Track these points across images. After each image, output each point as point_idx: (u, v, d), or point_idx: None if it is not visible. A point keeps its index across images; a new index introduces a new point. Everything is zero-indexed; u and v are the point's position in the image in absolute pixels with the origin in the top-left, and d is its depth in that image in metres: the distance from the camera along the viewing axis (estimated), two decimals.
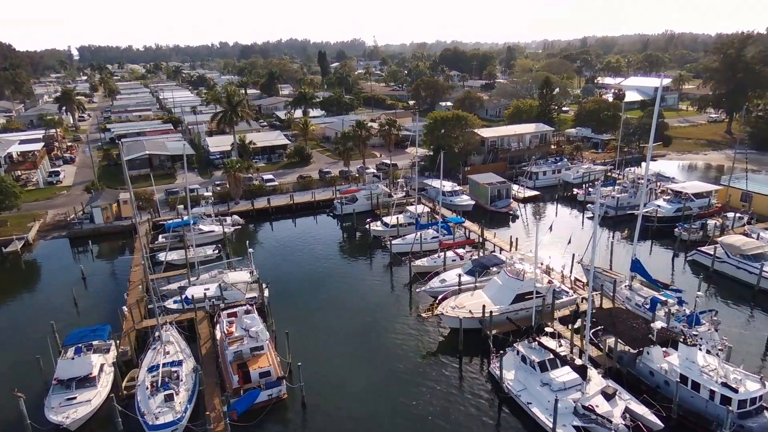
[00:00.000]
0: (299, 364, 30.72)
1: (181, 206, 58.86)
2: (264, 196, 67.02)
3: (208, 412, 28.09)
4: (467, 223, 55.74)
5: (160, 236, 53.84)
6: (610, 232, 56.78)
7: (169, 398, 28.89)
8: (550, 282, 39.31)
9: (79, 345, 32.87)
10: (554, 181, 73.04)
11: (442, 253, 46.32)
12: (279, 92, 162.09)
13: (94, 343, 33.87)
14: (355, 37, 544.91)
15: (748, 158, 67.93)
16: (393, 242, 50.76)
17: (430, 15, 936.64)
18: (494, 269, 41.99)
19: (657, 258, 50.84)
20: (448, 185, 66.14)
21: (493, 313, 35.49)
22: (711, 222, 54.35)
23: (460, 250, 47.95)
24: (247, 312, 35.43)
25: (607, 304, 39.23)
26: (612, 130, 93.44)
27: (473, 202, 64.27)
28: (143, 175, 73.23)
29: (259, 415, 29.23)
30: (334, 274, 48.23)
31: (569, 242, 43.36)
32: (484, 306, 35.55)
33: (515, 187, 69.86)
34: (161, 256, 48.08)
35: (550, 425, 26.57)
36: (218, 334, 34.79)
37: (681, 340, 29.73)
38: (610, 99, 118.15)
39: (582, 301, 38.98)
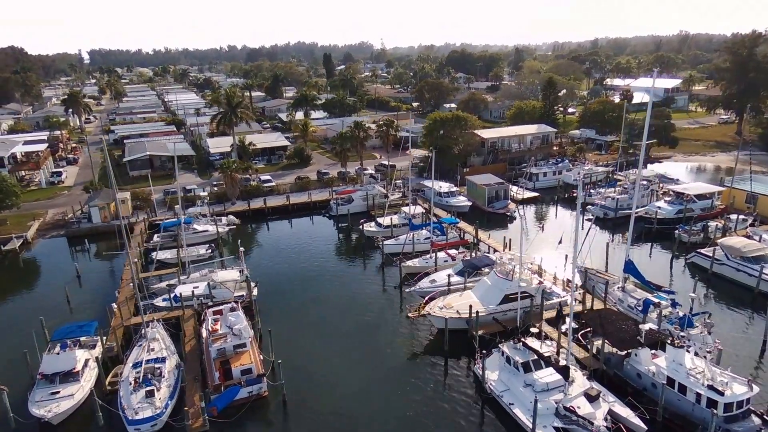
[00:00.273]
0: (279, 361, 30.68)
1: (178, 206, 59.31)
2: (261, 196, 67.13)
3: (186, 408, 28.05)
4: (462, 224, 55.36)
5: (155, 236, 54.11)
6: (609, 234, 56.07)
7: (150, 394, 29.05)
8: (540, 283, 38.79)
9: (66, 340, 33.07)
10: (554, 183, 72.33)
11: (434, 254, 45.97)
12: (283, 95, 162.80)
13: (82, 339, 34.16)
14: (363, 40, 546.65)
15: (756, 160, 66.79)
16: (385, 243, 50.54)
17: (439, 17, 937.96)
18: (486, 270, 41.58)
19: (656, 260, 50.09)
20: (445, 186, 65.90)
21: (480, 314, 35.09)
22: (712, 224, 53.43)
23: (453, 251, 47.59)
24: (232, 310, 35.43)
25: (599, 305, 38.61)
26: (617, 132, 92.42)
27: (470, 203, 63.86)
28: (144, 176, 73.72)
29: (239, 411, 29.18)
30: (325, 274, 48.11)
31: (560, 242, 42.86)
32: (470, 306, 35.16)
33: (514, 188, 69.32)
34: (155, 255, 48.32)
35: (530, 426, 26.12)
36: (203, 332, 34.78)
37: (669, 341, 29.10)
38: (617, 100, 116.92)
39: (576, 303, 38.43)
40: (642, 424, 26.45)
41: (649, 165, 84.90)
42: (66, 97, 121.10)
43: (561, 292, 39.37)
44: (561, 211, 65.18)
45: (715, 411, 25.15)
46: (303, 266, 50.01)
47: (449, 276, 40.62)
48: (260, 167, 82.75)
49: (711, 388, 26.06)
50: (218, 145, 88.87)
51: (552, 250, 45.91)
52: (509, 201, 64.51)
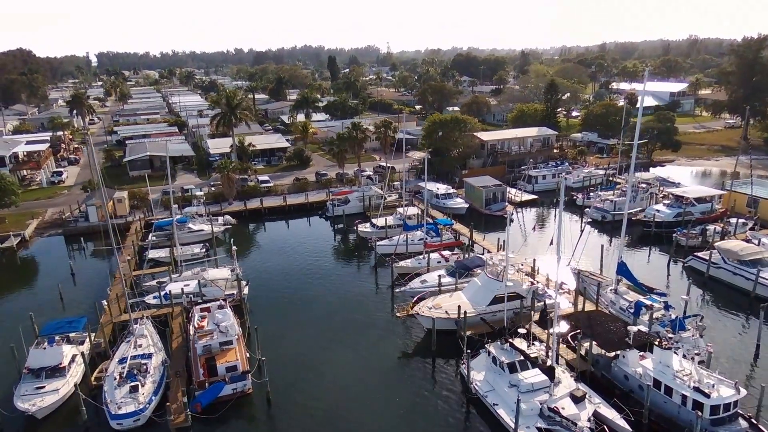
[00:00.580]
0: (263, 358, 30.65)
1: (176, 206, 59.51)
2: (258, 197, 67.23)
3: (169, 403, 28.01)
4: (457, 226, 55.13)
5: (150, 234, 54.36)
6: (606, 237, 55.63)
7: (134, 389, 29.13)
8: (532, 284, 38.49)
9: (53, 336, 33.22)
10: (553, 185, 71.86)
11: (427, 255, 45.77)
12: (287, 97, 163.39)
13: (71, 335, 34.32)
14: (369, 43, 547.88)
15: (761, 164, 66.00)
16: (378, 243, 50.45)
17: (439, 18, 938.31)
18: (478, 270, 41.32)
19: (654, 263, 49.70)
20: (442, 188, 65.77)
21: (469, 314, 34.82)
22: (711, 227, 52.84)
23: (446, 252, 47.39)
24: (220, 307, 35.43)
25: (592, 307, 38.22)
26: (619, 135, 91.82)
27: (467, 205, 63.65)
28: (144, 176, 73.94)
29: (223, 408, 29.15)
30: (319, 274, 48.03)
31: (551, 243, 42.47)
32: (459, 306, 34.92)
33: (512, 190, 69.00)
34: (149, 254, 48.55)
35: (513, 426, 25.83)
36: (190, 329, 34.79)
37: (656, 343, 28.71)
38: (621, 104, 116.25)
39: (569, 305, 38.10)
40: (627, 426, 26.09)
41: (651, 169, 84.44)
42: (70, 98, 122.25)
43: (553, 294, 38.96)
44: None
45: (700, 413, 24.73)
46: (297, 266, 49.99)
47: (440, 276, 40.43)
48: (259, 168, 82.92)
49: (697, 390, 25.64)
50: (218, 146, 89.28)
51: (547, 252, 45.53)
52: (506, 203, 64.21)
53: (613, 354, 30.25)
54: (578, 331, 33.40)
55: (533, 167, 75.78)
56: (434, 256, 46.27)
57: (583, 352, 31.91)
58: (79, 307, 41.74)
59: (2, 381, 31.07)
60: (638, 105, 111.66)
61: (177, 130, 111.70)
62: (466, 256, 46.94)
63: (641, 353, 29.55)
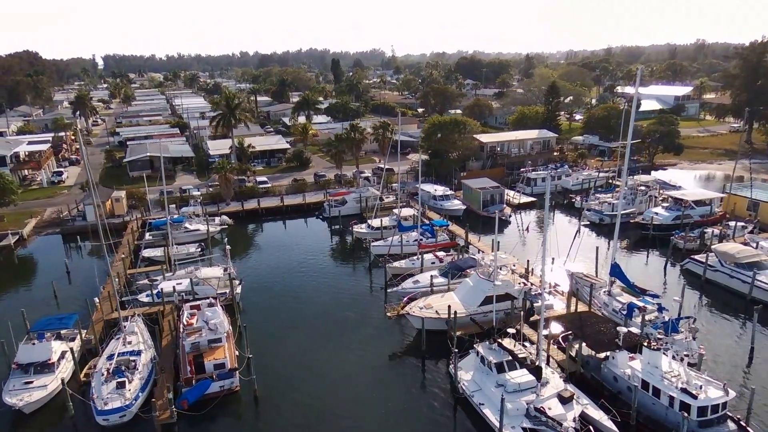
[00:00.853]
0: (250, 356, 30.55)
1: (173, 205, 59.88)
2: (256, 197, 67.35)
3: (155, 400, 28.01)
4: (453, 227, 55.01)
5: (147, 233, 54.59)
6: (604, 239, 55.26)
7: (121, 385, 29.14)
8: (524, 285, 38.26)
9: (44, 332, 33.34)
10: (553, 188, 71.61)
11: (421, 256, 45.64)
12: (290, 99, 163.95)
13: (62, 331, 34.44)
14: (374, 47, 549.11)
15: (763, 168, 65.46)
16: (373, 244, 50.36)
17: (439, 18, 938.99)
18: (471, 271, 41.12)
19: (652, 266, 49.33)
20: (440, 189, 65.71)
21: (460, 314, 34.66)
22: (709, 230, 52.44)
23: (440, 253, 47.22)
24: (211, 306, 35.44)
25: (585, 309, 37.94)
26: (620, 138, 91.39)
27: (464, 207, 63.51)
28: (146, 176, 74.34)
29: (210, 405, 29.10)
30: (313, 275, 48.02)
31: (543, 243, 42.25)
32: (449, 306, 34.76)
33: (510, 192, 68.79)
34: (144, 252, 48.75)
35: (498, 425, 25.62)
36: (180, 326, 34.81)
37: (645, 344, 28.43)
38: (623, 107, 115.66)
39: (562, 306, 37.85)
40: (614, 427, 25.80)
41: (653, 172, 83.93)
42: (74, 99, 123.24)
43: (547, 295, 38.74)
44: (558, 216, 64.44)
45: (687, 415, 24.43)
46: (292, 266, 50.00)
47: (432, 277, 40.30)
48: (259, 169, 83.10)
49: (684, 391, 25.34)
50: (218, 147, 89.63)
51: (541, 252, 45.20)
52: (504, 205, 64.02)
53: (603, 355, 30.05)
54: (569, 332, 33.18)
55: (532, 169, 75.51)
56: (429, 256, 46.14)
57: (573, 353, 31.70)
58: (72, 305, 41.77)
59: None
60: (639, 106, 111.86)
61: (178, 132, 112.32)
62: (461, 257, 46.79)
63: (631, 354, 29.31)
